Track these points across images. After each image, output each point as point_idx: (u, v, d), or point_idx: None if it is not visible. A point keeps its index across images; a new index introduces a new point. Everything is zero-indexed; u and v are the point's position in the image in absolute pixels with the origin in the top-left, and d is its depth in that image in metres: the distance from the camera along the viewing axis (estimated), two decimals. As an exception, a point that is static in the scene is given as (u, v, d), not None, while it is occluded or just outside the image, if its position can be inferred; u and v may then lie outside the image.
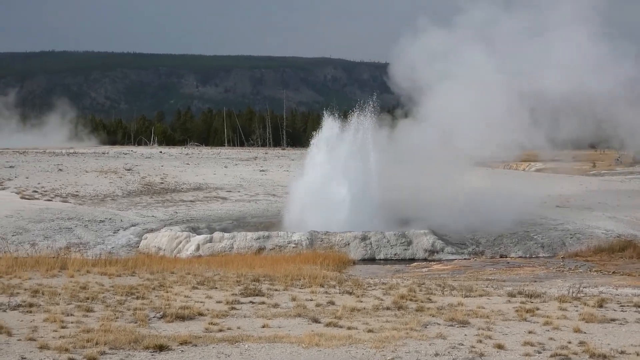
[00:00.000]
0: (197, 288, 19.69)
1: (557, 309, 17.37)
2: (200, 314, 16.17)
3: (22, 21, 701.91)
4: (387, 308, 17.46)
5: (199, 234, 32.11)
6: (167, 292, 18.92)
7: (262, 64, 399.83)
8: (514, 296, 19.23)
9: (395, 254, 31.52)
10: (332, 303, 17.98)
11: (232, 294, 18.74)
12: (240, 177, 48.91)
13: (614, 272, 25.94)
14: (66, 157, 59.16)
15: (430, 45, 38.41)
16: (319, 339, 13.93)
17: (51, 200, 38.00)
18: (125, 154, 67.98)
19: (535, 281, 23.59)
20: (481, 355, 13.31)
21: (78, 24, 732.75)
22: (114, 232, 32.76)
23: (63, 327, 14.54)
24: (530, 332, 14.94)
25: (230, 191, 43.10)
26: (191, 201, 39.70)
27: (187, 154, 70.74)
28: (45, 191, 40.52)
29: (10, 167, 49.62)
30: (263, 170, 53.56)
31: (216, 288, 19.79)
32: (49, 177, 45.45)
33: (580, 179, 60.42)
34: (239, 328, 15.06)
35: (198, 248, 30.70)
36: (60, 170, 48.95)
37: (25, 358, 12.56)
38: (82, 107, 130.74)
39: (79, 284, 19.42)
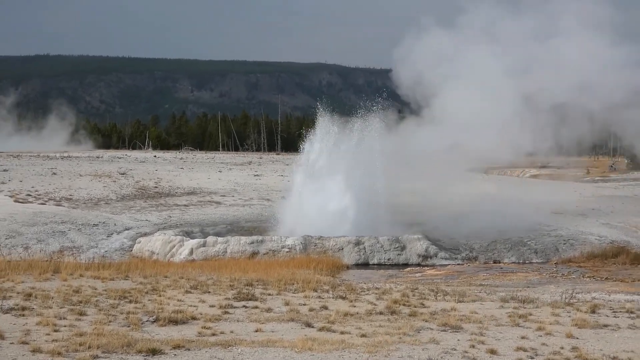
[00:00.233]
0: (190, 292, 19.67)
1: (550, 315, 17.37)
2: (193, 318, 16.15)
3: (18, 25, 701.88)
4: (380, 313, 17.45)
5: (192, 238, 32.09)
6: (160, 296, 18.90)
7: (258, 69, 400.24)
8: (507, 301, 19.23)
9: (388, 259, 31.52)
10: (325, 308, 17.96)
11: (225, 298, 18.71)
12: (235, 182, 48.92)
13: (606, 278, 25.98)
14: (60, 161, 59.17)
15: (435, 46, 38.30)
16: (312, 343, 13.92)
17: (45, 204, 37.97)
18: (120, 158, 67.99)
19: (528, 287, 23.61)
20: (474, 360, 13.34)
21: (73, 27, 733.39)
22: (108, 236, 32.73)
23: (56, 331, 14.52)
24: (522, 338, 14.94)
25: (224, 196, 43.10)
26: (185, 205, 39.69)
27: (181, 159, 70.77)
28: (39, 195, 40.50)
29: (4, 170, 49.62)
30: (257, 175, 53.61)
31: (209, 292, 19.77)
32: (42, 180, 45.43)
33: (574, 186, 60.52)
34: (232, 332, 15.04)
35: (191, 252, 30.67)
36: (54, 174, 48.94)
37: (17, 361, 12.54)
38: (77, 110, 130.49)
39: (72, 288, 19.39)
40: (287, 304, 18.38)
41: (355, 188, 34.71)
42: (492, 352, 13.80)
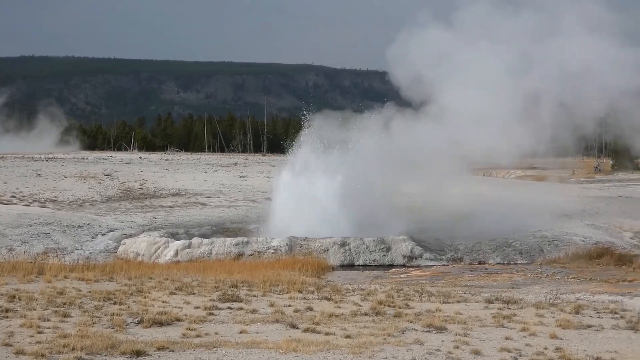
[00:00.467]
0: (175, 294, 19.66)
1: (534, 315, 17.42)
2: (178, 320, 16.14)
3: (2, 26, 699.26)
4: (365, 314, 17.47)
5: (177, 239, 32.03)
6: (145, 297, 18.88)
7: (244, 70, 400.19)
8: (492, 302, 19.28)
9: (374, 260, 31.54)
10: (310, 309, 17.97)
11: (210, 300, 18.71)
12: (220, 183, 48.88)
13: (591, 279, 26.03)
14: (45, 163, 59.03)
15: (433, 43, 38.11)
16: (297, 344, 13.93)
17: (29, 206, 37.88)
18: (105, 159, 67.88)
19: (512, 287, 23.64)
20: (458, 361, 13.37)
21: (58, 28, 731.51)
22: (92, 238, 32.67)
23: (40, 333, 14.49)
24: (507, 338, 14.98)
25: (209, 197, 43.06)
26: (170, 207, 39.65)
27: (167, 160, 70.69)
28: (23, 196, 40.40)
29: (-12, 172, 49.45)
30: (243, 176, 53.56)
31: (194, 294, 19.75)
32: (27, 182, 45.32)
33: (560, 187, 60.69)
34: (216, 334, 15.04)
35: (177, 254, 30.63)
36: (39, 175, 48.81)
37: (1, 363, 12.52)
38: (63, 112, 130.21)
39: (56, 289, 19.35)
40: (272, 305, 18.39)
41: (343, 189, 34.76)
42: (476, 352, 13.84)
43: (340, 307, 18.31)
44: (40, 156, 68.40)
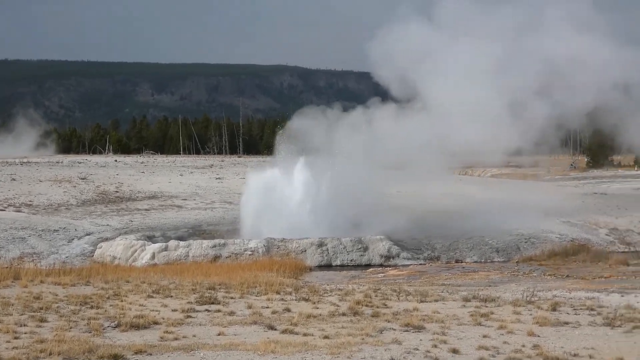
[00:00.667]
0: (152, 297, 19.60)
1: (512, 313, 17.48)
2: (156, 323, 16.09)
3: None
4: (343, 314, 17.47)
5: (154, 242, 31.96)
6: (122, 301, 18.82)
7: (218, 72, 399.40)
8: (469, 301, 19.32)
9: (351, 260, 31.56)
10: (288, 310, 17.97)
11: (188, 302, 18.67)
12: (196, 185, 48.76)
13: (567, 276, 26.14)
14: (19, 167, 58.74)
15: (415, 38, 37.82)
16: (275, 346, 13.91)
17: (4, 210, 37.66)
18: (80, 163, 67.59)
19: (490, 286, 23.71)
20: (436, 359, 13.38)
21: (31, 32, 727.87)
22: (68, 242, 32.52)
23: (16, 338, 14.41)
24: (484, 336, 15.02)
25: (185, 199, 42.95)
26: (146, 210, 39.52)
27: (142, 163, 70.49)
28: (-2, 201, 40.17)
29: (-37, 177, 49.13)
30: (219, 178, 53.45)
31: (171, 296, 19.71)
32: (1, 186, 45.07)
33: (535, 184, 60.90)
34: (194, 336, 15.01)
35: (153, 257, 30.55)
36: (14, 179, 48.56)
37: (-23, 369, 12.45)
38: (32, 116, 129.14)
39: (33, 294, 19.26)
40: (249, 307, 18.37)
41: (322, 189, 34.78)
42: (454, 351, 13.86)
43: (318, 308, 18.30)
44: (15, 160, 68.02)
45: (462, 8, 38.55)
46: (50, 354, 13.11)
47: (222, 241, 31.54)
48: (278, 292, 20.71)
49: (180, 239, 32.57)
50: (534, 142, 38.03)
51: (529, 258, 31.53)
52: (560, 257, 31.01)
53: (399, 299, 19.90)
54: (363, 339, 14.64)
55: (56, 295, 19.47)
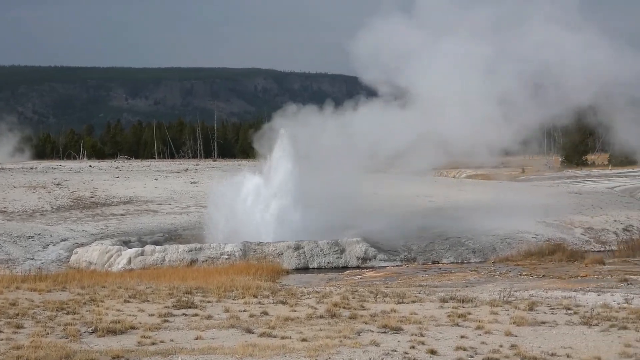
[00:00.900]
0: (129, 302, 19.54)
1: (489, 313, 17.53)
2: (133, 328, 16.04)
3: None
4: (321, 316, 17.47)
5: (130, 247, 31.84)
6: (99, 306, 18.74)
7: (192, 75, 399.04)
8: (446, 302, 19.36)
9: (328, 262, 31.57)
10: (266, 313, 17.94)
11: (165, 307, 18.62)
12: (171, 190, 48.57)
13: (544, 276, 26.24)
14: (-7, 173, 58.34)
15: (399, 35, 37.46)
16: (253, 349, 13.90)
17: (-21, 217, 37.43)
18: (54, 168, 67.23)
19: (467, 286, 23.77)
20: (414, 361, 13.42)
21: (3, 37, 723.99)
22: (44, 248, 32.37)
23: (-8, 345, 14.34)
24: (462, 337, 15.05)
25: (161, 204, 42.79)
26: (122, 215, 39.35)
27: (117, 167, 70.17)
28: (-28, 208, 39.91)
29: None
30: (194, 182, 53.24)
31: (148, 301, 19.65)
32: (-24, 193, 44.77)
33: (510, 185, 61.10)
34: (172, 341, 14.96)
35: (130, 262, 30.44)
36: (-13, 186, 48.25)
37: (-47, 377, 12.36)
38: (11, 122, 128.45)
39: (8, 301, 19.14)
40: (227, 310, 18.34)
41: (298, 192, 34.75)
42: (432, 352, 13.90)
43: (295, 311, 18.30)
44: (-12, 167, 67.57)
45: (444, 3, 38.40)
46: (27, 360, 13.05)
47: (199, 245, 31.47)
48: (255, 296, 20.69)
49: (156, 243, 32.47)
50: (521, 142, 38.13)
51: (505, 258, 31.65)
52: (537, 257, 31.13)
53: (376, 300, 19.92)
54: (341, 341, 14.64)
55: (32, 301, 19.37)
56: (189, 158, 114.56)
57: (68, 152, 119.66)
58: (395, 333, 15.48)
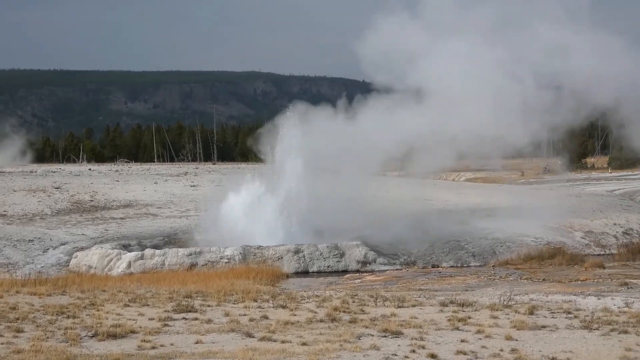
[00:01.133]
0: (129, 305, 19.53)
1: (489, 317, 17.52)
2: (133, 332, 16.03)
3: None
4: (321, 320, 17.47)
5: (130, 251, 31.83)
6: (99, 310, 18.74)
7: (191, 79, 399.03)
8: (446, 305, 19.35)
9: (328, 266, 31.56)
10: (266, 317, 17.94)
11: (165, 311, 18.62)
12: (171, 193, 48.54)
13: (544, 279, 26.24)
14: (-7, 177, 58.34)
15: (408, 33, 37.14)
16: (253, 353, 13.90)
17: (-22, 221, 37.42)
18: (54, 172, 67.18)
19: (467, 290, 23.75)
20: (415, 365, 13.41)
21: (2, 41, 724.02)
22: (44, 252, 32.36)
23: (-7, 349, 14.34)
24: (462, 341, 15.05)
25: (160, 207, 42.77)
26: (121, 218, 39.34)
27: (116, 171, 70.13)
28: (-28, 211, 39.90)
29: None
30: (194, 186, 53.22)
31: (148, 305, 19.64)
32: (-25, 197, 44.75)
33: (510, 188, 61.08)
34: (172, 345, 14.96)
35: (129, 265, 30.43)
36: (-13, 190, 48.23)
37: (-47, 382, 12.36)
38: (11, 125, 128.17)
39: (9, 305, 19.14)
40: (227, 314, 18.33)
41: (299, 195, 34.75)
42: (433, 356, 13.89)
43: (295, 315, 18.29)
44: (-13, 171, 67.53)
45: (449, 2, 38.22)
46: (27, 364, 13.05)
47: (198, 249, 31.46)
48: (255, 300, 20.68)
49: (156, 247, 32.47)
50: (534, 143, 38.04)
51: (505, 262, 31.61)
52: (536, 260, 31.12)
53: (376, 304, 19.91)
54: (341, 345, 14.63)
55: (32, 305, 19.37)
56: (189, 161, 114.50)
57: (68, 155, 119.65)
58: (396, 337, 15.47)
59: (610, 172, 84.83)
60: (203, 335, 15.88)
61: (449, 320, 17.19)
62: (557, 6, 36.86)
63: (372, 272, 30.59)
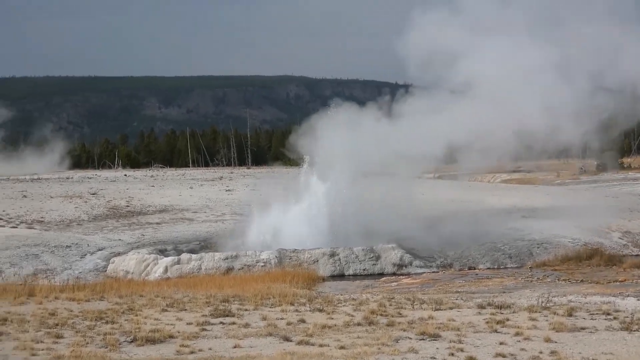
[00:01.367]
0: (166, 310, 19.61)
1: (527, 319, 17.45)
2: (171, 337, 16.10)
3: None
4: (358, 324, 17.46)
5: (166, 256, 31.94)
6: (137, 315, 18.83)
7: (224, 83, 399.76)
8: (484, 308, 19.29)
9: (364, 269, 31.52)
10: (303, 321, 17.95)
11: (202, 315, 18.68)
12: (206, 198, 48.71)
13: (582, 281, 26.09)
14: (30, 184, 58.75)
15: (448, 34, 36.85)
16: (291, 357, 13.91)
17: (16, 227, 37.70)
18: (90, 178, 67.59)
19: (504, 292, 23.67)
20: (454, 368, 13.37)
21: (36, 49, 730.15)
22: (81, 257, 32.55)
23: (34, 355, 14.44)
24: (501, 343, 14.99)
25: (196, 212, 42.92)
26: (157, 223, 39.51)
27: (152, 176, 70.47)
28: (10, 218, 40.19)
29: (-26, 195, 49.13)
30: (229, 190, 53.37)
31: (186, 310, 19.71)
32: (13, 204, 45.07)
33: (546, 189, 60.78)
34: (210, 349, 15.00)
35: (166, 270, 30.54)
36: (25, 196, 48.56)
37: (-5, 387, 12.45)
38: (51, 131, 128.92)
39: (48, 311, 19.27)
40: (264, 318, 18.36)
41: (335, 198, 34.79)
42: (472, 359, 13.86)
43: (332, 318, 18.29)
44: (25, 177, 68.04)
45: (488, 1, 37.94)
46: (67, 370, 13.13)
47: (234, 253, 31.51)
48: (292, 303, 20.70)
49: (192, 252, 32.56)
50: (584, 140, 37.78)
51: (542, 263, 31.44)
52: (574, 261, 30.95)
53: (413, 307, 19.88)
54: (379, 348, 14.62)
55: (71, 311, 19.49)
56: (223, 166, 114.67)
57: (103, 161, 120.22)
58: (434, 340, 15.44)
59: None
60: (241, 339, 15.91)
61: (487, 322, 17.14)
62: (600, 4, 36.49)
63: (408, 275, 30.51)
